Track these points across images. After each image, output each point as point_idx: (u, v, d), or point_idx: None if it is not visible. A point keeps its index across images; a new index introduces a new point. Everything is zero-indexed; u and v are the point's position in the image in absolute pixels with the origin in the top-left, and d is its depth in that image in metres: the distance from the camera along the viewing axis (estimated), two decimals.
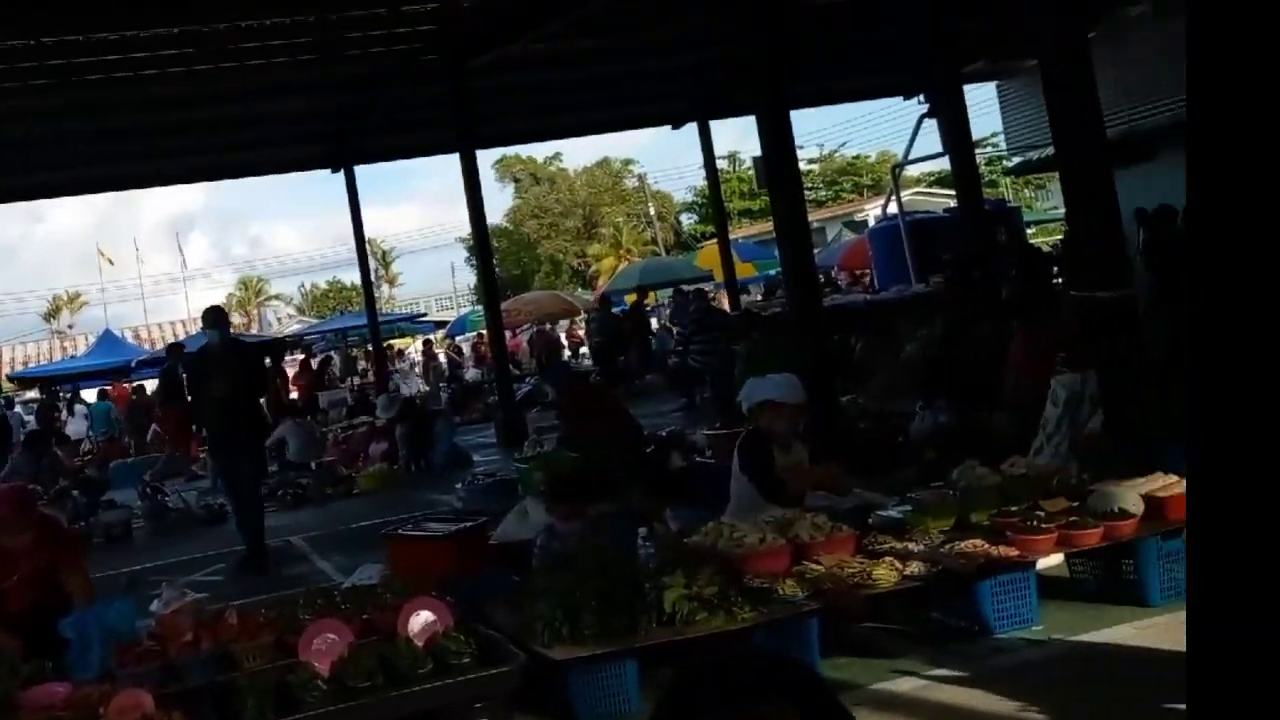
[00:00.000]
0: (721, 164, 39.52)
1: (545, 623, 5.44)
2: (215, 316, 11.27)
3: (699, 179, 49.67)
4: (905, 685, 5.29)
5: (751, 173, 37.73)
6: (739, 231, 43.81)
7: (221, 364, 10.75)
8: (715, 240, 28.91)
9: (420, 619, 5.43)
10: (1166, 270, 15.43)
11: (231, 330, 13.45)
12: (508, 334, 28.41)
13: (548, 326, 35.21)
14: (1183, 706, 4.06)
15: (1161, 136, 22.96)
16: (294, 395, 25.75)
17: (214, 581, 10.05)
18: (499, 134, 24.26)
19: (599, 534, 6.75)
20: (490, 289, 20.09)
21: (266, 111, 18.95)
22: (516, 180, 65.44)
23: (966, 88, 20.08)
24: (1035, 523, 6.15)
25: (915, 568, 5.81)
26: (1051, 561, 6.32)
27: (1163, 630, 5.66)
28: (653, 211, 61.77)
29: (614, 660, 5.32)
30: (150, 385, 26.74)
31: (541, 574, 6.11)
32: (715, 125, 25.05)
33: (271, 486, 15.40)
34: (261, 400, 12.93)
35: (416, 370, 34.51)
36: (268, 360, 19.18)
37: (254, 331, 54.98)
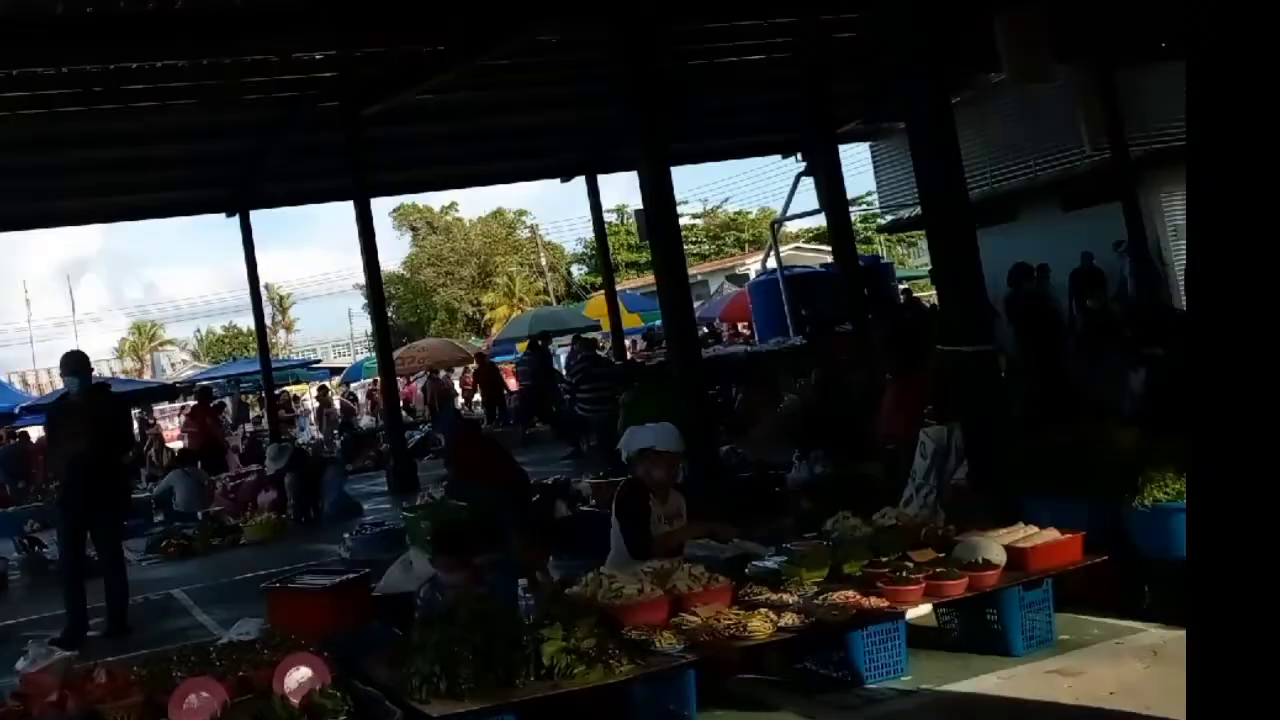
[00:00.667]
0: (610, 217, 39.64)
1: (422, 678, 5.24)
2: (74, 363, 10.13)
3: (589, 231, 49.80)
4: None
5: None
6: (626, 283, 43.87)
7: (79, 415, 9.92)
8: (604, 291, 28.89)
9: (297, 675, 5.21)
10: (1025, 325, 15.67)
11: (97, 376, 12.33)
12: (401, 381, 28.06)
13: (441, 374, 34.85)
14: None
15: (1021, 196, 23.49)
16: (184, 443, 25.05)
17: (90, 637, 9.56)
18: (393, 182, 24.08)
19: (481, 585, 6.59)
20: (383, 336, 19.77)
21: (162, 154, 18.54)
22: (414, 229, 65.15)
23: (841, 148, 20.34)
24: (904, 573, 6.09)
25: (790, 619, 5.70)
26: (920, 611, 6.27)
27: (1025, 680, 5.63)
28: (544, 262, 61.84)
29: (491, 716, 5.13)
30: (36, 431, 25.85)
31: (422, 627, 5.91)
32: (605, 179, 25.07)
33: (155, 538, 14.94)
34: (128, 454, 12.06)
35: (310, 417, 33.96)
36: (137, 411, 18.47)
37: (146, 377, 53.80)
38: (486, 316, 60.15)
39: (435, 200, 63.48)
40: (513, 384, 28.39)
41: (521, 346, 32.12)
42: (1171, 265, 21.20)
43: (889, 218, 31.04)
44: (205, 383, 36.00)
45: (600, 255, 28.50)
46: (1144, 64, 20.13)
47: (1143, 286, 19.95)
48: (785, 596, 5.99)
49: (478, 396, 32.18)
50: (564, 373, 24.31)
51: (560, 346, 28.26)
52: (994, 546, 6.25)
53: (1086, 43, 17.31)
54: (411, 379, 34.47)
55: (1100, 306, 19.86)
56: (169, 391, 37.26)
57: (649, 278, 44.88)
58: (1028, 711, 5.24)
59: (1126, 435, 7.25)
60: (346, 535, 12.55)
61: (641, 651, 5.41)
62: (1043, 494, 6.88)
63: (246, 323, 60.58)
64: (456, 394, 34.51)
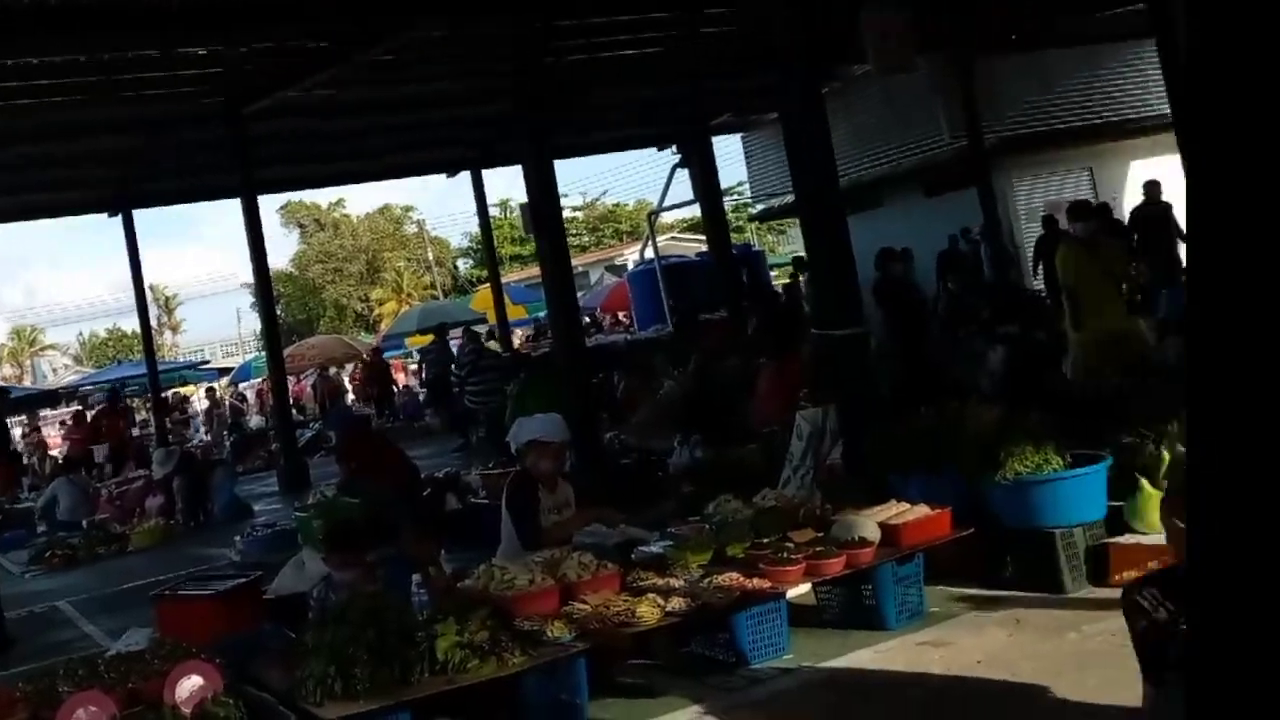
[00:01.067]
0: (494, 210, 39.36)
1: (316, 680, 5.14)
2: None
3: (474, 225, 49.41)
4: None
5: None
6: (511, 275, 43.64)
7: None
8: (490, 284, 28.68)
9: (188, 684, 5.08)
10: (892, 309, 15.93)
11: None
12: (291, 380, 27.55)
13: (331, 371, 34.33)
14: None
15: (886, 183, 23.81)
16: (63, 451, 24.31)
17: None
18: (280, 179, 23.53)
19: (374, 582, 6.49)
20: (272, 334, 19.29)
21: (40, 153, 17.70)
22: (301, 226, 64.04)
23: (715, 139, 20.41)
24: (785, 554, 6.14)
25: (676, 603, 5.71)
26: (801, 590, 6.32)
27: (898, 653, 5.72)
28: (431, 257, 61.25)
29: (387, 715, 5.06)
30: None
31: (315, 628, 5.80)
32: (489, 173, 24.85)
33: (39, 549, 14.49)
34: None
35: (200, 419, 33.26)
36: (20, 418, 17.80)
37: (26, 383, 52.20)
38: (375, 312, 59.42)
39: (323, 197, 62.49)
40: (401, 379, 28.08)
41: (412, 341, 31.81)
42: (1022, 247, 21.61)
43: (760, 207, 31.19)
44: (89, 388, 35.04)
45: (486, 249, 28.30)
46: (997, 54, 20.52)
47: (997, 269, 20.32)
48: (671, 581, 6.01)
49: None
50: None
51: (451, 339, 28.03)
52: (869, 524, 6.33)
53: (944, 35, 17.57)
54: (301, 377, 33.90)
55: (960, 289, 20.26)
56: (51, 398, 36.24)
57: (534, 270, 44.77)
58: (901, 683, 5.32)
59: (987, 413, 7.38)
60: (237, 538, 12.23)
61: (533, 642, 5.38)
62: (912, 472, 6.98)
63: (131, 325, 59.16)
64: (347, 390, 34.03)
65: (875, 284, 16.37)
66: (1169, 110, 13.28)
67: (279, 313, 27.71)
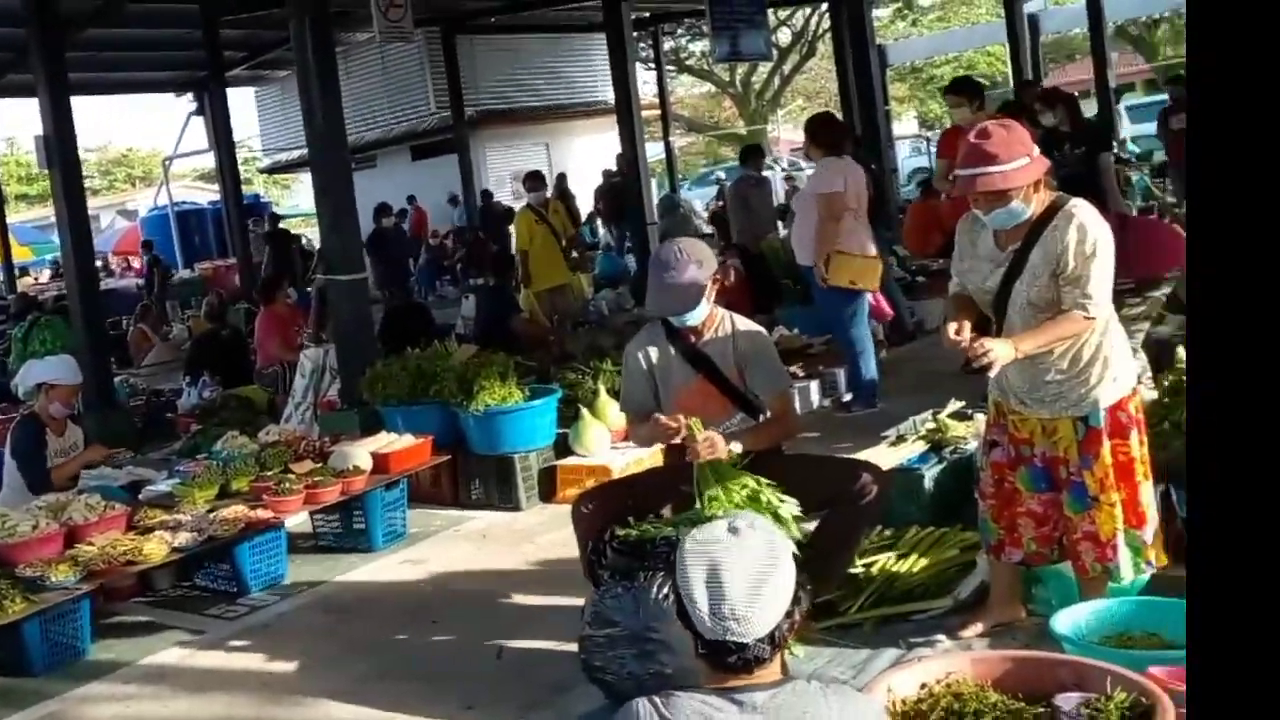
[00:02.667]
0: (1, 147, 35.04)
1: None
2: None
3: None
4: (172, 656, 4.88)
5: (30, 156, 33.64)
6: (16, 215, 39.12)
7: None
8: None
9: None
10: (383, 256, 15.81)
11: None
12: None
13: None
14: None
15: (380, 145, 23.51)
16: None
17: None
18: None
19: None
20: None
21: None
22: None
23: (230, 92, 19.13)
24: (286, 485, 5.94)
25: (183, 539, 5.38)
26: (300, 519, 6.18)
27: (383, 569, 5.72)
28: None
29: None
30: None
31: None
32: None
33: None
34: None
35: None
36: None
37: None
38: None
39: None
40: None
41: None
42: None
43: (269, 160, 29.83)
44: None
45: None
46: (478, 34, 20.66)
47: (470, 229, 20.54)
48: (180, 517, 5.65)
49: None
50: None
51: None
52: (362, 454, 6.22)
53: (433, 10, 17.42)
54: None
55: (439, 242, 20.44)
56: None
57: (40, 210, 40.34)
58: (385, 596, 5.32)
59: (463, 352, 7.50)
60: None
61: (35, 588, 4.90)
62: (400, 405, 6.94)
63: None
64: None
65: (370, 236, 16.20)
66: (612, 96, 14.10)
67: None
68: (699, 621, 2.30)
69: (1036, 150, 3.67)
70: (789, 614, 2.33)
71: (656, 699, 2.32)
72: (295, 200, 42.22)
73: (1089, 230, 3.56)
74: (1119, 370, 3.68)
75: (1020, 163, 3.57)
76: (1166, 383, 4.77)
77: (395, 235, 17.48)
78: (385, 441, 6.47)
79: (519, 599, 5.06)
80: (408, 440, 6.45)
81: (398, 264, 16.99)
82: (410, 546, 6.04)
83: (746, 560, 2.32)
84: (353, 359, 7.81)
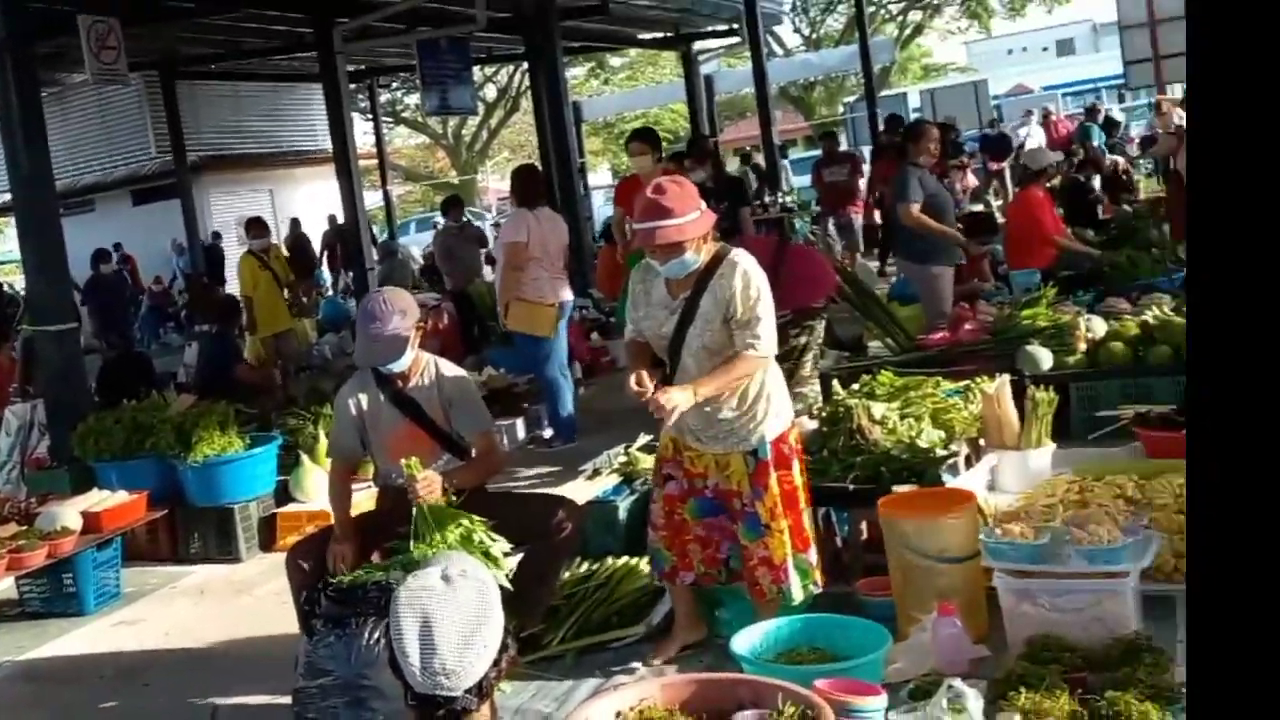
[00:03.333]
0: None
1: None
2: None
3: None
4: None
5: None
6: None
7: None
8: None
9: None
10: (102, 304, 14.65)
11: None
12: None
13: None
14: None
15: (98, 189, 21.79)
16: None
17: None
18: None
19: None
20: None
21: None
22: None
23: None
24: None
25: None
26: (4, 585, 5.54)
27: (96, 635, 5.19)
28: None
29: None
30: None
31: None
32: None
33: None
34: None
35: None
36: None
37: None
38: None
39: None
40: None
41: None
42: (225, 256, 20.87)
43: None
44: None
45: None
46: (199, 79, 19.50)
47: (194, 275, 19.37)
48: None
49: None
50: None
51: None
52: (71, 513, 5.65)
53: (153, 53, 16.29)
54: None
55: (162, 289, 19.18)
56: None
57: None
58: (96, 664, 4.82)
59: (181, 402, 6.99)
60: None
61: None
62: (114, 459, 6.38)
63: None
64: None
65: (88, 281, 14.99)
66: (330, 145, 13.62)
67: None
68: (410, 675, 2.23)
69: (704, 204, 3.75)
70: (496, 663, 2.28)
71: None
72: (10, 245, 38.54)
73: (752, 276, 3.67)
74: (779, 405, 3.81)
75: (692, 216, 3.64)
76: (825, 413, 4.99)
77: (115, 282, 16.21)
78: (97, 499, 5.92)
79: (236, 654, 4.71)
80: (121, 497, 5.92)
81: (118, 312, 15.75)
82: (125, 607, 5.52)
83: (458, 612, 2.26)
84: (63, 413, 7.11)
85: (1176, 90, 17.76)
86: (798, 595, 3.78)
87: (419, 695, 2.24)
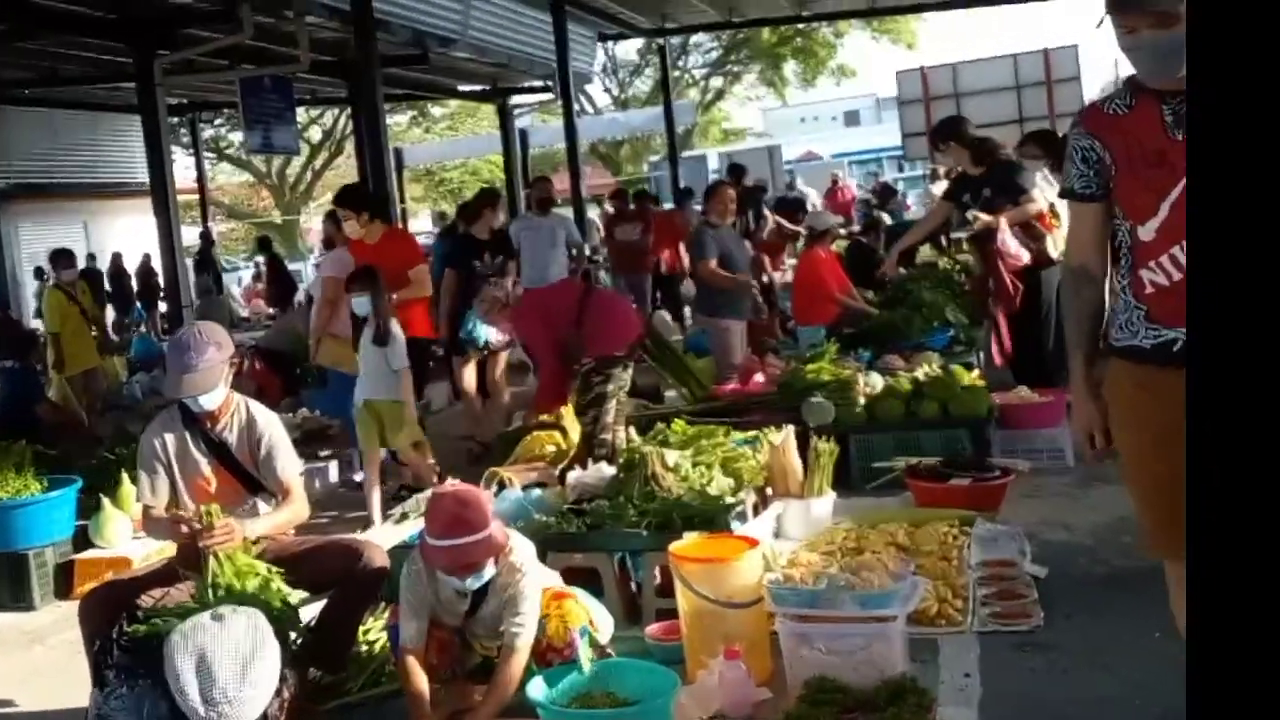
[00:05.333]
0: None
1: None
2: None
3: None
4: None
5: None
6: None
7: None
8: None
9: None
10: None
11: None
12: None
13: None
14: None
15: None
16: None
17: None
18: None
19: None
20: None
21: None
22: None
23: None
24: None
25: None
26: None
27: None
28: None
29: None
30: None
31: None
32: None
33: None
34: None
35: None
36: None
37: None
38: None
39: None
40: None
41: None
42: (24, 287, 19.39)
43: None
44: None
45: None
46: (10, 104, 18.12)
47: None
48: None
49: None
50: None
51: None
52: None
53: None
54: None
55: None
56: None
57: None
58: None
59: None
60: None
61: None
62: None
63: None
64: None
65: None
66: (148, 178, 12.88)
67: None
68: (192, 713, 2.07)
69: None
70: (278, 692, 2.15)
71: None
72: None
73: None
74: None
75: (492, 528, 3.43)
76: (622, 459, 4.98)
77: None
78: None
79: (25, 707, 4.31)
80: None
81: None
82: None
83: (233, 644, 2.14)
84: None
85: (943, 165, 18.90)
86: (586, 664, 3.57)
87: None
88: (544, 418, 6.14)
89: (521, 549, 3.57)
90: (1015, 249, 6.53)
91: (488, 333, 7.42)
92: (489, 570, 3.44)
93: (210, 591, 3.39)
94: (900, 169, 31.32)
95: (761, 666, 3.69)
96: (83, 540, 5.90)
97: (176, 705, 2.14)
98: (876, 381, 6.37)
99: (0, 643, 5.13)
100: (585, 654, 3.52)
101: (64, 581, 5.71)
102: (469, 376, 7.81)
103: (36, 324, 14.75)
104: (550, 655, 3.56)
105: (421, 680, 3.44)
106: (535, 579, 3.55)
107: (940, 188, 16.16)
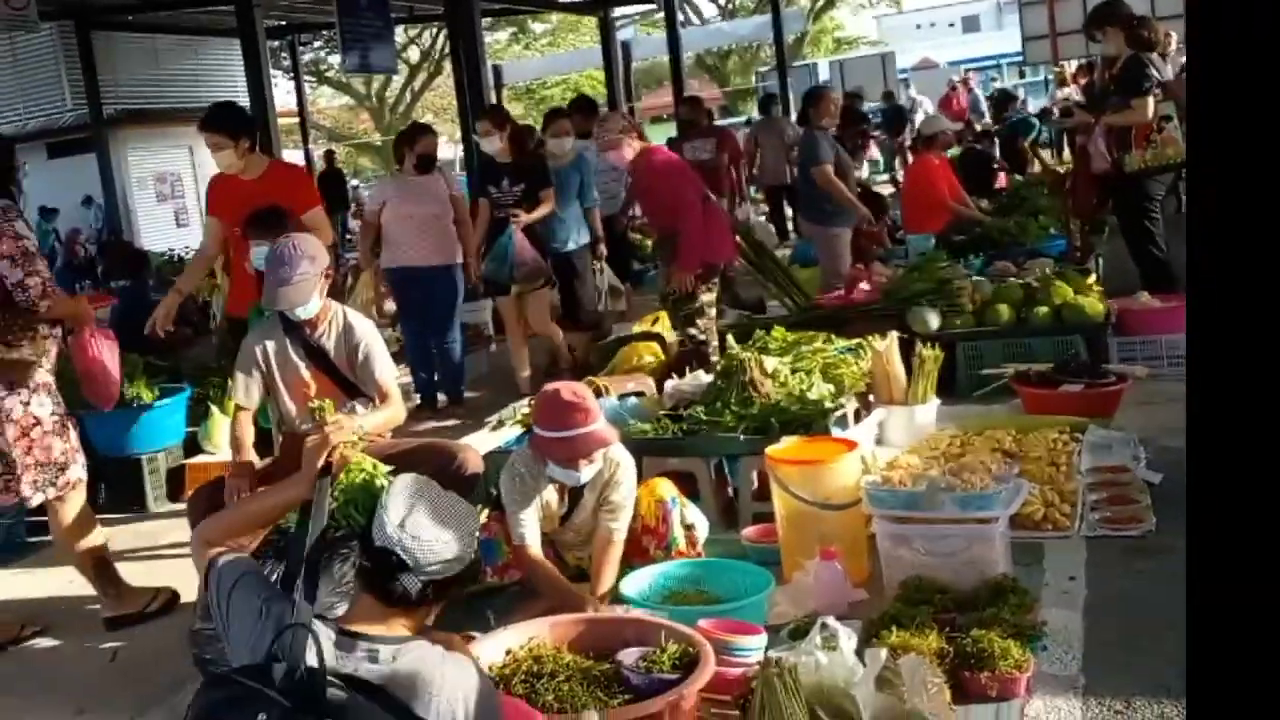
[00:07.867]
0: None
1: None
2: None
3: None
4: None
5: None
6: None
7: None
8: None
9: None
10: None
11: None
12: None
13: None
14: None
15: (14, 141, 20.84)
16: None
17: None
18: None
19: None
20: None
21: None
22: None
23: None
24: None
25: None
26: None
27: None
28: None
29: None
30: None
31: None
32: None
33: None
34: None
35: None
36: None
37: None
38: None
39: None
40: None
41: None
42: (135, 212, 20.18)
43: None
44: None
45: None
46: (116, 30, 18.70)
47: (110, 229, 18.78)
48: None
49: None
50: None
51: None
52: None
53: (68, 3, 15.55)
54: None
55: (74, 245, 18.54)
56: None
57: None
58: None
59: None
60: None
61: None
62: None
63: None
64: None
65: None
66: (248, 102, 13.14)
67: None
68: (380, 529, 2.19)
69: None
70: (453, 563, 2.22)
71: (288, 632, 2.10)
72: None
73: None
74: None
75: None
76: (720, 366, 4.99)
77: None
78: None
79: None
80: None
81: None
82: (28, 557, 5.33)
83: (446, 504, 2.28)
84: None
85: (1072, 65, 18.04)
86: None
87: (375, 552, 2.19)
88: (642, 328, 6.13)
89: (616, 444, 3.70)
90: (1096, 154, 6.25)
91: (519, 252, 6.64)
92: (598, 462, 3.56)
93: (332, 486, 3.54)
94: (1021, 74, 30.09)
95: (858, 568, 3.70)
96: (193, 446, 6.22)
97: (366, 525, 2.32)
98: (986, 288, 6.21)
99: (116, 542, 5.43)
100: (679, 522, 3.57)
101: (176, 485, 6.03)
102: (520, 316, 6.98)
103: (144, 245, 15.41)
104: (645, 538, 3.65)
105: (550, 567, 3.59)
106: (630, 468, 3.69)
107: (1066, 94, 15.45)
